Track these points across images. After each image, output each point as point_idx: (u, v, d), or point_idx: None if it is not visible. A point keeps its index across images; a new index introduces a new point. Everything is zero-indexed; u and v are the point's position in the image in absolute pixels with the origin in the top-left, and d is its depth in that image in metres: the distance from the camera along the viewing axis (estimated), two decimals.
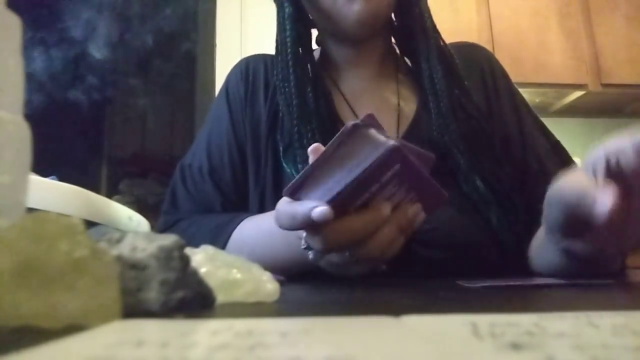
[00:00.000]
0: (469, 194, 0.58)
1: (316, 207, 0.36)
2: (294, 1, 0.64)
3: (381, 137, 0.37)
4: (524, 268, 0.57)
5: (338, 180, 0.36)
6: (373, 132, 0.37)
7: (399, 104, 0.66)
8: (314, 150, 0.41)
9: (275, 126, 0.64)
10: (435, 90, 0.62)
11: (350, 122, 0.37)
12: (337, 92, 0.68)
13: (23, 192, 0.29)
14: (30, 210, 0.26)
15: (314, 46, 0.71)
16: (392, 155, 0.35)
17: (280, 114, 0.63)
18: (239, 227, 0.57)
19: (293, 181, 0.39)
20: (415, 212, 0.41)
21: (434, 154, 0.48)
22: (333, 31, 0.66)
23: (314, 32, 0.70)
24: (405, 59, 0.70)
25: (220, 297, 0.26)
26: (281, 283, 0.30)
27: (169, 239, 0.23)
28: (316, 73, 0.65)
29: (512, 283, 0.39)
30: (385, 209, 0.38)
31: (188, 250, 0.24)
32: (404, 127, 0.64)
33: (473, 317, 0.18)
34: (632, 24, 2.19)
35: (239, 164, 0.66)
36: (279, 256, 0.52)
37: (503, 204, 0.58)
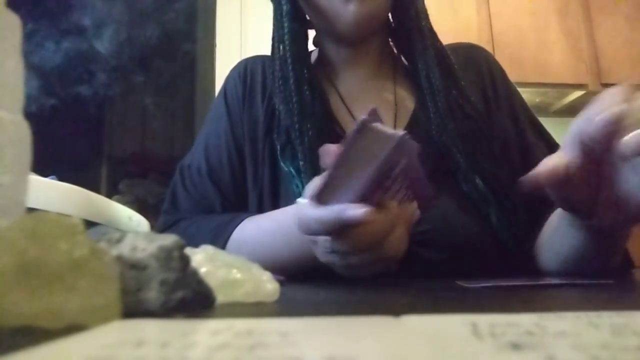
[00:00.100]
0: (468, 193, 0.58)
1: (347, 209, 0.36)
2: (291, 0, 0.64)
3: (389, 130, 0.36)
4: (523, 268, 0.57)
5: (357, 179, 0.36)
6: (380, 126, 0.37)
7: (396, 104, 0.66)
8: (325, 151, 0.41)
9: (272, 127, 0.64)
10: (432, 89, 0.62)
11: (359, 119, 0.36)
12: (333, 92, 0.68)
13: (23, 192, 0.29)
14: (30, 210, 0.26)
15: (311, 47, 0.71)
16: (402, 147, 0.35)
17: (277, 113, 0.63)
18: (239, 227, 0.57)
19: (316, 185, 0.38)
20: (413, 210, 0.41)
21: (433, 154, 0.48)
22: (329, 31, 0.66)
23: (311, 33, 0.70)
24: (403, 59, 0.70)
25: (220, 297, 0.26)
26: (281, 283, 0.30)
27: (169, 239, 0.23)
28: (312, 72, 0.65)
29: (512, 283, 0.39)
30: (395, 206, 0.38)
31: (188, 250, 0.24)
32: (401, 126, 0.64)
33: (473, 317, 0.18)
34: (632, 24, 2.19)
35: (238, 165, 0.66)
36: (279, 256, 0.52)
37: (502, 203, 0.58)
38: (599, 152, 0.37)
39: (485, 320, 0.17)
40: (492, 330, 0.16)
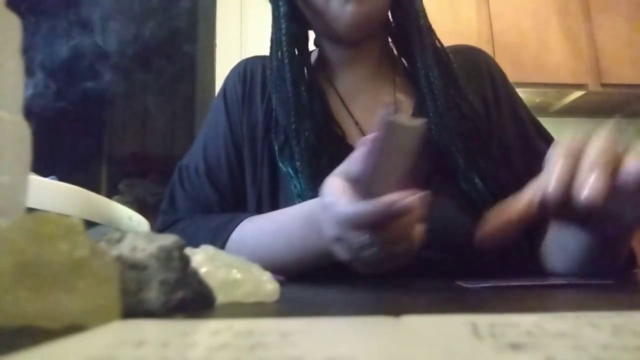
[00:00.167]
0: (468, 192, 0.58)
1: (400, 198, 0.36)
2: (290, 0, 0.64)
3: (411, 122, 0.37)
4: (523, 268, 0.57)
5: (392, 172, 0.38)
6: (402, 118, 0.38)
7: (395, 104, 0.66)
8: (366, 142, 0.41)
9: (271, 127, 0.64)
10: (431, 88, 0.62)
11: (383, 117, 0.37)
12: (332, 92, 0.68)
13: (23, 192, 0.29)
14: (30, 210, 0.26)
15: (312, 47, 0.71)
16: (422, 136, 0.37)
17: (274, 113, 0.64)
18: (238, 227, 0.57)
19: (340, 184, 0.39)
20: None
21: (432, 153, 0.48)
22: (327, 32, 0.66)
23: (311, 35, 0.70)
24: (403, 60, 0.70)
25: (220, 297, 0.26)
26: (281, 283, 0.30)
27: (169, 239, 0.23)
28: (311, 73, 0.65)
29: (511, 283, 0.39)
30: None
31: (188, 250, 0.25)
32: None
33: (473, 317, 0.18)
34: (632, 24, 2.19)
35: (236, 165, 0.66)
36: (279, 257, 0.52)
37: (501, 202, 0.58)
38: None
39: (485, 320, 0.17)
40: (492, 330, 0.16)
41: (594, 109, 2.30)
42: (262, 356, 0.13)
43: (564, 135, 0.42)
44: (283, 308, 0.28)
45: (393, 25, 0.69)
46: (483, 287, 0.37)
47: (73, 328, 0.18)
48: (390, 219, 0.37)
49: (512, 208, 0.41)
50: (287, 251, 0.52)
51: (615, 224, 0.41)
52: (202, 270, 0.26)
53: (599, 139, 0.38)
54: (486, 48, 0.75)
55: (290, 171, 0.59)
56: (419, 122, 0.37)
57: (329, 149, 0.60)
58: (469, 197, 0.58)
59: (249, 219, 0.57)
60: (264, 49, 0.68)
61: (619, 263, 0.50)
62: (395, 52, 0.71)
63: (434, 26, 0.67)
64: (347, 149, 0.63)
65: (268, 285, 0.29)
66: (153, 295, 0.22)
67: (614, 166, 0.36)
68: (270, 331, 0.16)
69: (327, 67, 0.70)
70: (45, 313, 0.18)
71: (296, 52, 0.64)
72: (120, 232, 0.24)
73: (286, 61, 0.62)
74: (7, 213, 0.27)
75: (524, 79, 1.99)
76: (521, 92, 0.73)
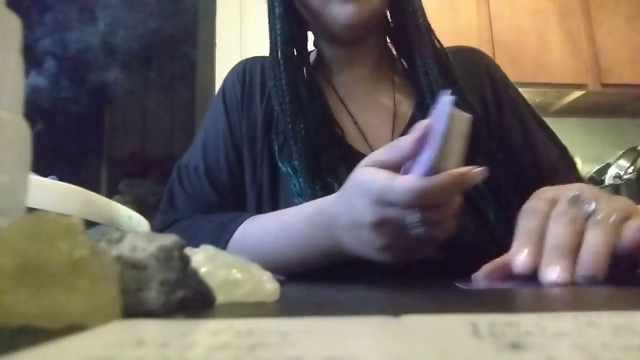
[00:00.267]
0: (467, 191, 0.58)
1: (469, 169, 0.38)
2: (285, 1, 0.64)
3: (461, 111, 0.39)
4: None
5: (451, 157, 0.39)
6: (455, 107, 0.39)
7: (394, 105, 0.66)
8: (420, 128, 0.41)
9: (271, 127, 0.64)
10: (431, 87, 0.62)
11: (445, 102, 0.38)
12: (331, 92, 0.68)
13: (23, 192, 0.29)
14: (30, 210, 0.26)
15: (310, 47, 0.71)
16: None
17: (275, 114, 0.64)
18: (241, 226, 0.57)
19: (425, 161, 0.39)
20: None
21: None
22: (324, 32, 0.66)
23: (310, 36, 0.70)
24: (402, 61, 0.70)
25: (220, 297, 0.26)
26: (281, 283, 0.30)
27: (169, 239, 0.23)
28: (310, 73, 0.65)
29: (509, 285, 0.39)
30: None
31: (188, 250, 0.24)
32: (399, 127, 0.65)
33: (473, 317, 0.18)
34: (632, 24, 2.19)
35: (236, 165, 0.66)
36: (283, 256, 0.52)
37: (501, 202, 0.58)
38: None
39: (485, 320, 0.17)
40: (492, 330, 0.16)
41: (594, 109, 2.30)
42: (262, 356, 0.13)
43: (562, 135, 0.42)
44: (283, 308, 0.28)
45: (392, 25, 0.69)
46: (483, 288, 0.37)
47: (73, 328, 0.18)
48: (455, 191, 0.39)
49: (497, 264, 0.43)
50: (290, 250, 0.52)
51: None
52: (202, 270, 0.26)
53: (561, 218, 0.39)
54: (486, 48, 0.75)
55: (290, 170, 0.59)
56: (465, 113, 0.39)
57: (328, 149, 0.60)
58: (469, 197, 0.58)
59: (251, 218, 0.57)
60: (264, 49, 0.68)
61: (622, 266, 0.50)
62: (394, 52, 0.71)
63: (433, 26, 0.67)
64: (347, 149, 0.63)
65: (268, 285, 0.29)
66: (153, 295, 0.22)
67: (576, 246, 0.37)
68: (270, 331, 0.16)
69: (325, 67, 0.70)
70: (45, 313, 0.18)
71: (295, 53, 0.64)
72: (120, 232, 0.24)
73: (281, 62, 0.62)
74: (7, 213, 0.27)
75: (524, 79, 1.99)
76: (521, 92, 0.73)
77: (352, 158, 0.62)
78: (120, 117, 2.32)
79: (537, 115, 0.69)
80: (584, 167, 2.21)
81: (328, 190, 0.58)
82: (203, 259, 0.28)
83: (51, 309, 0.18)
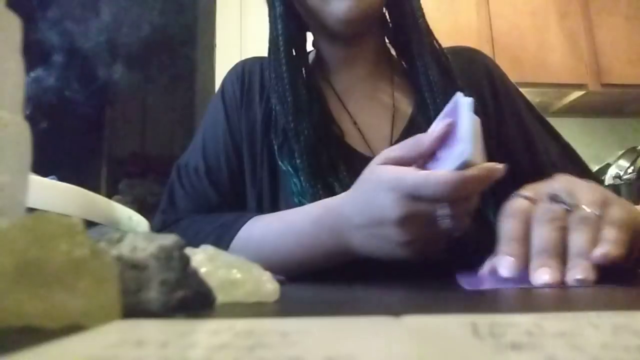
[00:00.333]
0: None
1: (494, 164, 0.39)
2: (285, 1, 0.64)
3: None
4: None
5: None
6: None
7: (393, 105, 0.66)
8: (442, 126, 0.43)
9: (270, 128, 0.64)
10: (431, 87, 0.62)
11: (461, 98, 0.41)
12: (330, 91, 0.68)
13: (23, 192, 0.29)
14: (30, 210, 0.26)
15: (309, 47, 0.71)
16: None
17: (274, 113, 0.64)
18: (245, 226, 0.56)
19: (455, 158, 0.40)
20: None
21: None
22: (323, 30, 0.66)
23: (309, 36, 0.70)
24: (401, 61, 0.71)
25: (220, 297, 0.26)
26: (281, 283, 0.30)
27: (169, 239, 0.23)
28: (309, 73, 0.65)
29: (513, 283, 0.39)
30: None
31: (188, 250, 0.24)
32: (399, 127, 0.65)
33: (473, 317, 0.18)
34: (632, 24, 2.19)
35: (235, 165, 0.66)
36: (289, 256, 0.52)
37: (501, 202, 0.58)
38: None
39: (485, 320, 0.17)
40: (492, 330, 0.16)
41: (594, 109, 2.30)
42: (262, 356, 0.13)
43: (562, 135, 0.43)
44: (283, 308, 0.28)
45: (390, 25, 0.70)
46: (483, 287, 0.37)
47: (73, 328, 0.18)
48: (484, 185, 0.40)
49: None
50: (295, 250, 0.52)
51: None
52: (202, 270, 0.26)
53: (542, 217, 0.39)
54: (486, 48, 0.76)
55: (290, 169, 0.59)
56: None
57: (327, 148, 0.60)
58: None
59: (255, 217, 0.57)
60: (264, 49, 0.69)
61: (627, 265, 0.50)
62: (393, 52, 0.71)
63: (433, 26, 0.67)
64: (346, 148, 0.63)
65: (268, 285, 0.29)
66: (153, 295, 0.22)
67: (562, 243, 0.37)
68: (270, 331, 0.16)
69: (324, 67, 0.70)
70: (45, 313, 0.18)
71: (293, 53, 0.64)
72: (120, 232, 0.24)
73: (283, 61, 0.62)
74: (7, 213, 0.27)
75: (524, 79, 1.99)
76: (521, 93, 0.73)
77: (351, 158, 0.62)
78: (120, 117, 2.32)
79: (538, 113, 0.69)
80: None
81: (328, 189, 0.58)
82: (203, 259, 0.28)
83: (51, 309, 0.18)
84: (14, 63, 0.29)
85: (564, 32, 2.15)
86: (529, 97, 0.73)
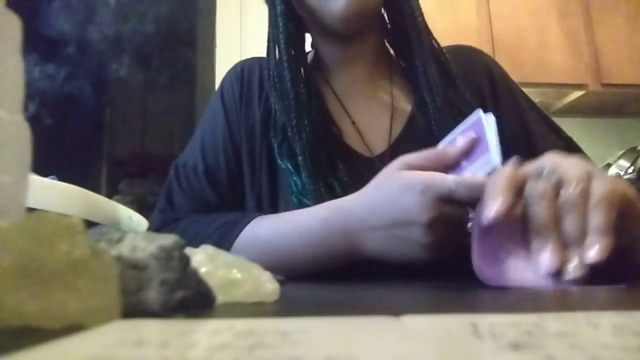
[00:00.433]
0: None
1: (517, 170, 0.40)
2: (285, 0, 0.64)
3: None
4: None
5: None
6: None
7: (392, 105, 0.66)
8: (466, 141, 0.45)
9: (269, 128, 0.64)
10: (430, 85, 0.62)
11: (485, 115, 0.45)
12: (329, 91, 0.68)
13: (23, 192, 0.29)
14: (30, 210, 0.26)
15: (308, 48, 0.71)
16: None
17: (273, 111, 0.64)
18: (249, 225, 0.56)
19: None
20: None
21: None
22: (320, 28, 0.66)
23: (308, 37, 0.70)
24: (400, 62, 0.71)
25: (220, 297, 0.26)
26: (281, 283, 0.30)
27: (169, 239, 0.23)
28: (308, 73, 0.65)
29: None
30: None
31: (188, 250, 0.24)
32: (398, 126, 0.65)
33: (473, 317, 0.18)
34: (632, 24, 2.19)
35: (235, 165, 0.66)
36: (296, 257, 0.52)
37: None
38: None
39: (485, 320, 0.17)
40: (492, 330, 0.16)
41: (594, 109, 2.30)
42: (262, 356, 0.13)
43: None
44: (283, 308, 0.28)
45: (389, 26, 0.70)
46: (482, 287, 0.37)
47: (73, 328, 0.18)
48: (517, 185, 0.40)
49: None
50: (303, 250, 0.52)
51: None
52: (202, 270, 0.26)
53: (534, 196, 0.39)
54: (486, 48, 0.76)
55: (290, 167, 0.59)
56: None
57: (326, 148, 0.60)
58: None
59: (259, 217, 0.57)
60: (264, 50, 0.69)
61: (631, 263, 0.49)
62: (391, 52, 0.72)
63: (433, 26, 0.67)
64: (344, 148, 0.63)
65: (268, 285, 0.29)
66: (153, 295, 0.22)
67: (556, 217, 0.37)
68: (270, 331, 0.16)
69: (323, 67, 0.70)
70: (45, 313, 0.18)
71: (293, 53, 0.64)
72: (120, 232, 0.24)
73: (284, 58, 0.62)
74: (7, 213, 0.27)
75: (524, 79, 1.99)
76: None
77: (350, 158, 0.62)
78: (120, 117, 2.32)
79: (540, 111, 0.69)
80: None
81: (329, 189, 0.58)
82: (203, 259, 0.28)
83: (51, 309, 0.18)
84: (14, 63, 0.29)
85: (564, 32, 2.15)
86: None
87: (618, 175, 2.06)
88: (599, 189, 0.37)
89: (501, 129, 0.45)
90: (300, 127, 0.60)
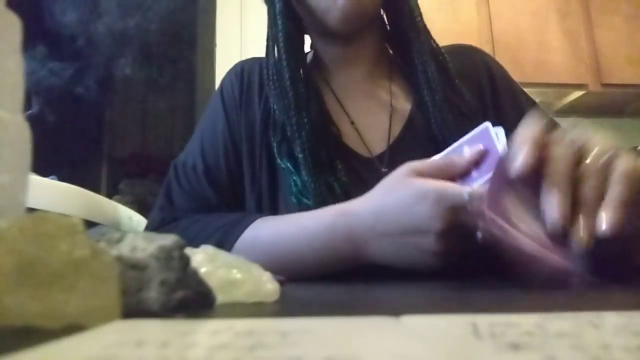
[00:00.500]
0: None
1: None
2: None
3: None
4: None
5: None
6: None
7: (392, 105, 0.66)
8: (475, 152, 0.46)
9: (268, 129, 0.64)
10: (430, 84, 0.62)
11: (495, 128, 0.45)
12: (328, 91, 0.68)
13: (23, 192, 0.29)
14: (30, 210, 0.26)
15: (307, 49, 0.71)
16: None
17: (272, 110, 0.64)
18: (252, 226, 0.56)
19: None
20: None
21: (431, 152, 0.49)
22: (320, 28, 0.66)
23: (308, 39, 0.70)
24: (400, 62, 0.71)
25: (220, 297, 0.26)
26: (281, 283, 0.30)
27: (169, 239, 0.23)
28: (307, 72, 0.65)
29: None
30: None
31: (188, 250, 0.24)
32: (397, 126, 0.65)
33: (473, 317, 0.18)
34: (632, 24, 2.19)
35: (235, 164, 0.65)
36: (297, 260, 0.52)
37: None
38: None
39: (485, 320, 0.17)
40: (492, 330, 0.16)
41: (594, 109, 2.30)
42: (262, 356, 0.13)
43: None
44: (283, 308, 0.28)
45: (388, 26, 0.70)
46: (483, 287, 0.37)
47: (73, 328, 0.18)
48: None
49: None
50: (307, 255, 0.52)
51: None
52: (202, 270, 0.26)
53: (559, 144, 0.38)
54: (486, 48, 0.76)
55: (290, 166, 0.59)
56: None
57: (325, 148, 0.60)
58: None
59: (261, 219, 0.57)
60: (264, 50, 0.69)
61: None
62: (390, 52, 0.72)
63: (433, 26, 0.67)
64: (343, 148, 0.63)
65: (268, 285, 0.29)
66: (153, 295, 0.22)
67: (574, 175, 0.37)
68: (270, 331, 0.16)
69: (322, 67, 0.70)
70: (45, 313, 0.18)
71: (292, 52, 0.64)
72: (120, 232, 0.24)
73: (284, 57, 0.62)
74: (7, 213, 0.27)
75: (524, 79, 1.99)
76: None
77: (349, 158, 0.62)
78: (120, 117, 2.32)
79: (541, 109, 0.69)
80: None
81: (329, 188, 0.57)
82: (203, 259, 0.28)
83: (51, 309, 0.18)
84: (14, 63, 0.29)
85: (564, 32, 2.15)
86: None
87: None
88: (622, 164, 0.36)
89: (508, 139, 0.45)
90: (300, 125, 0.60)
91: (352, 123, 0.65)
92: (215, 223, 0.58)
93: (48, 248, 0.19)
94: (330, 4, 0.59)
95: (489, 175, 0.43)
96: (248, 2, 2.15)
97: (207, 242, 0.33)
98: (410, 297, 0.34)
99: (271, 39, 0.65)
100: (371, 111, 0.67)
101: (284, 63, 0.62)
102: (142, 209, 0.97)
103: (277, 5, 0.64)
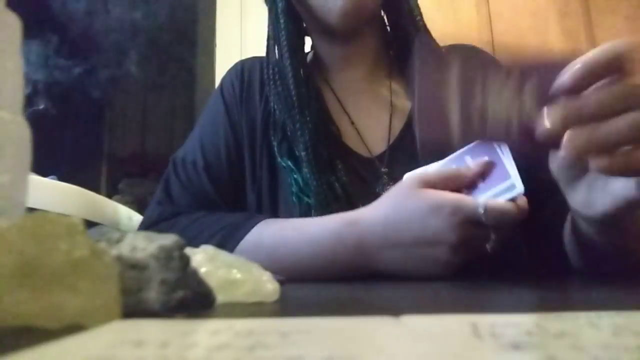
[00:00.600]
0: None
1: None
2: None
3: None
4: (524, 267, 0.57)
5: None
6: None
7: (392, 105, 0.66)
8: (482, 164, 0.47)
9: (269, 125, 0.64)
10: None
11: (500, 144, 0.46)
12: (329, 91, 0.68)
13: (23, 192, 0.29)
14: (30, 210, 0.26)
15: (307, 49, 0.71)
16: None
17: (272, 109, 0.63)
18: (255, 229, 0.55)
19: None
20: None
21: (431, 153, 0.50)
22: (320, 27, 0.66)
23: (307, 40, 0.70)
24: (400, 62, 0.71)
25: (220, 297, 0.26)
26: (281, 283, 0.30)
27: (169, 239, 0.23)
28: (308, 73, 0.65)
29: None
30: None
31: (188, 250, 0.24)
32: (397, 127, 0.65)
33: (473, 317, 0.18)
34: (632, 24, 2.19)
35: (236, 161, 0.65)
36: (301, 265, 0.52)
37: None
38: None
39: (485, 320, 0.17)
40: (492, 330, 0.16)
41: None
42: (262, 356, 0.13)
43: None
44: (283, 308, 0.28)
45: (389, 26, 0.70)
46: (483, 287, 0.37)
47: (73, 328, 0.18)
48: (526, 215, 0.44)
49: None
50: (312, 261, 0.51)
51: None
52: (202, 270, 0.26)
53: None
54: (486, 48, 0.75)
55: (291, 164, 0.59)
56: None
57: (325, 148, 0.60)
58: None
59: (265, 221, 0.56)
60: (264, 50, 0.68)
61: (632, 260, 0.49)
62: (390, 53, 0.72)
63: (433, 26, 0.67)
64: (344, 148, 0.63)
65: (268, 285, 0.29)
66: (153, 295, 0.22)
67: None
68: (270, 331, 0.16)
69: (323, 67, 0.70)
70: (45, 313, 0.18)
71: (293, 50, 0.64)
72: (120, 232, 0.24)
73: (285, 55, 0.62)
74: (7, 213, 0.27)
75: None
76: None
77: (349, 158, 0.62)
78: (120, 117, 2.32)
79: None
80: None
81: (330, 188, 0.57)
82: (203, 259, 0.28)
83: (51, 309, 0.18)
84: (14, 63, 0.29)
85: (564, 32, 2.15)
86: None
87: None
88: None
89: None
90: (303, 123, 0.60)
91: (352, 123, 0.65)
92: (217, 224, 0.57)
93: (48, 248, 0.19)
94: (331, 3, 0.59)
95: (497, 188, 0.44)
96: (248, 2, 2.15)
97: (208, 242, 0.33)
98: (410, 297, 0.34)
99: (272, 38, 0.65)
100: (371, 111, 0.67)
101: (286, 62, 0.62)
102: (142, 209, 0.97)
103: (279, 4, 0.64)
